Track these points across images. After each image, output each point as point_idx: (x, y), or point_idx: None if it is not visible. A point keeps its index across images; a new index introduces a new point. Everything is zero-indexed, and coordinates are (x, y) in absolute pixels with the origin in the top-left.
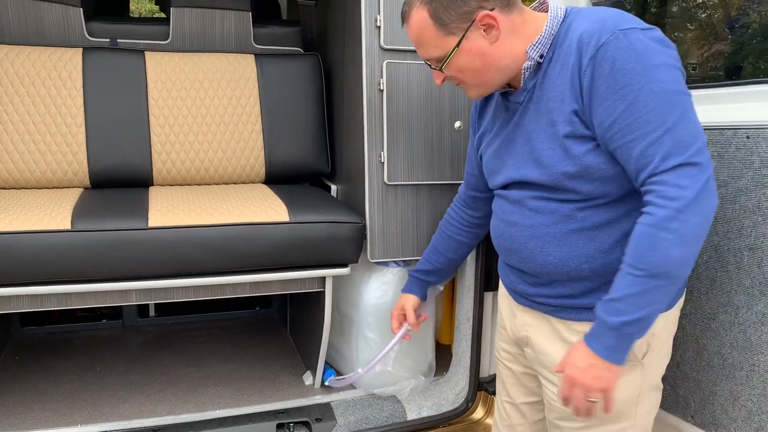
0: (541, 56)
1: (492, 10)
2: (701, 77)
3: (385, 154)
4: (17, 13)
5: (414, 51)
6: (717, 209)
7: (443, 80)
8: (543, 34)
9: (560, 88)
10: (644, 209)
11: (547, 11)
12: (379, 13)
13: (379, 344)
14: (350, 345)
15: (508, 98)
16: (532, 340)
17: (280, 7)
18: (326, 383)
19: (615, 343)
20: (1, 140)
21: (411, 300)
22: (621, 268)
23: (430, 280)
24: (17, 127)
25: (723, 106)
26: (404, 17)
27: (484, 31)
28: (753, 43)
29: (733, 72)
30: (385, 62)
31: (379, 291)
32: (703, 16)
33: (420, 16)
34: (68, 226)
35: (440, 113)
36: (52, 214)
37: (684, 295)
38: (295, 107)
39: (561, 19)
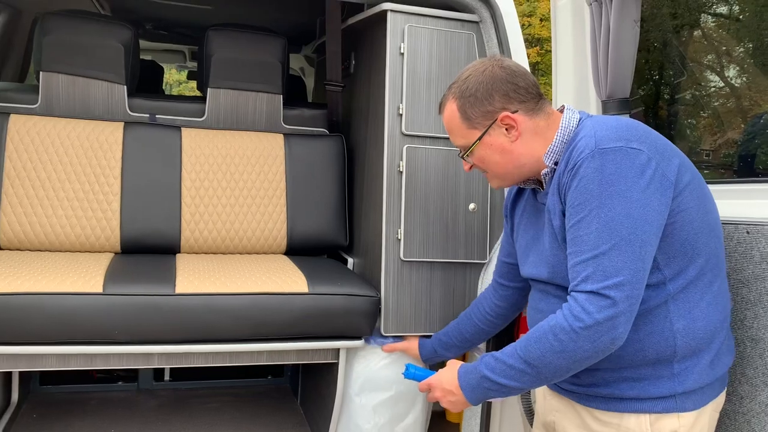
0: (556, 163)
1: (515, 112)
2: (714, 164)
3: (402, 232)
4: (66, 88)
5: (432, 137)
6: None
7: (470, 168)
8: (554, 142)
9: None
10: (560, 309)
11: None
12: (401, 102)
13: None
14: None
15: (536, 197)
16: (557, 425)
17: (306, 89)
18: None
19: (475, 386)
20: (42, 204)
21: (413, 345)
22: (520, 338)
23: (438, 349)
24: (57, 193)
25: (726, 202)
26: (440, 107)
27: (505, 129)
28: (765, 134)
29: (744, 161)
30: (405, 146)
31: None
32: (715, 104)
33: (451, 108)
34: (100, 290)
35: (456, 195)
36: (85, 277)
37: (721, 396)
38: (318, 184)
39: (573, 128)
